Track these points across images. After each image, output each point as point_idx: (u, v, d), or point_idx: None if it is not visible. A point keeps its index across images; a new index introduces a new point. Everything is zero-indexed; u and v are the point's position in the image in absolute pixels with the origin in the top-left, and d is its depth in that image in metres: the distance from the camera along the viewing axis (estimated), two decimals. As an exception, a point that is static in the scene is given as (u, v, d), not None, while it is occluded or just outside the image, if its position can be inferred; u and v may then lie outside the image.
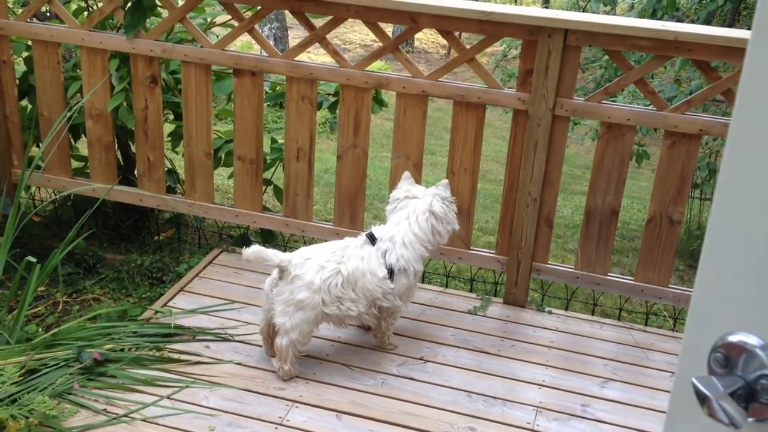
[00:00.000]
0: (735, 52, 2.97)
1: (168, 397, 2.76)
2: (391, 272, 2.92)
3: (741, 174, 0.76)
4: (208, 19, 4.04)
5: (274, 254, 2.83)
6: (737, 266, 0.79)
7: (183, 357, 3.00)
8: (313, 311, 2.82)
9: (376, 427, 2.71)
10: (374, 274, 2.89)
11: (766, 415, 0.77)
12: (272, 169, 4.05)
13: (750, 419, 0.78)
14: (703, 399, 0.78)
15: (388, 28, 13.22)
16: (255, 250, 2.81)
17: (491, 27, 3.19)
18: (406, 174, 3.15)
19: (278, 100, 4.14)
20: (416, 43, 16.12)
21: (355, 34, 15.94)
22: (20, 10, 3.77)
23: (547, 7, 15.48)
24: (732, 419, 0.76)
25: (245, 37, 4.21)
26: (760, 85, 0.75)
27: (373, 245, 2.94)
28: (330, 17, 3.35)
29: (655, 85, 4.92)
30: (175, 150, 4.14)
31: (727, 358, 0.79)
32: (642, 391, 3.02)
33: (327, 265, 2.83)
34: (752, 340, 0.78)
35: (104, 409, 2.68)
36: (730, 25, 8.42)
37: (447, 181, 3.13)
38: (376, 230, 3.00)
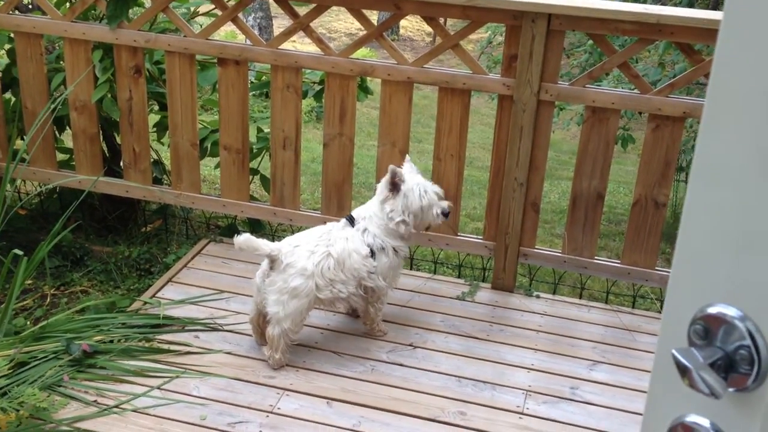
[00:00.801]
0: (717, 34, 2.97)
1: (158, 388, 2.77)
2: (373, 252, 2.95)
3: (716, 146, 0.77)
4: (192, 9, 4.02)
5: (264, 244, 2.84)
6: (715, 238, 0.80)
7: (173, 347, 3.00)
8: (307, 298, 2.84)
9: (367, 414, 2.72)
10: (358, 252, 2.92)
11: (745, 384, 0.79)
12: (259, 159, 4.04)
13: (729, 389, 0.80)
14: (683, 370, 0.79)
15: (373, 16, 13.17)
16: (246, 238, 2.82)
17: (475, 12, 3.19)
18: (407, 158, 3.16)
19: (263, 89, 4.13)
20: (401, 31, 16.09)
21: (340, 23, 15.89)
22: (1, 2, 3.74)
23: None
24: (712, 389, 0.78)
25: (230, 28, 4.18)
26: (733, 60, 0.76)
27: (353, 227, 2.97)
28: (314, 5, 3.34)
29: (639, 69, 4.93)
30: (160, 141, 4.13)
31: (707, 329, 0.81)
32: (630, 372, 3.05)
33: (317, 250, 2.86)
34: (731, 311, 0.79)
35: (95, 401, 2.69)
36: (714, 9, 8.44)
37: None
38: (355, 212, 3.04)
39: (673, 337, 0.83)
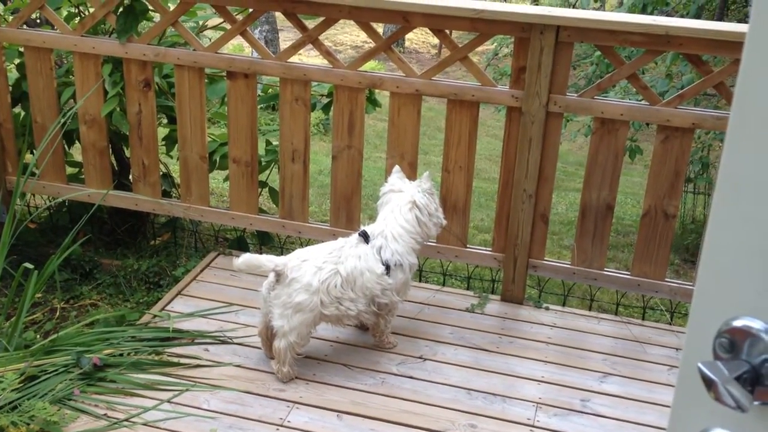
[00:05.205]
0: (726, 45, 2.98)
1: (168, 401, 2.76)
2: (387, 268, 2.94)
3: (743, 158, 0.77)
4: (200, 23, 4.04)
5: (267, 259, 2.82)
6: (741, 251, 0.79)
7: (182, 360, 2.99)
8: (312, 313, 2.82)
9: (377, 427, 2.71)
10: (372, 271, 2.89)
11: (772, 398, 0.78)
12: (267, 171, 4.05)
13: (756, 402, 0.79)
14: (709, 383, 0.78)
15: (379, 28, 13.22)
16: (245, 258, 2.81)
17: (483, 25, 3.20)
18: (396, 168, 3.16)
19: (272, 102, 4.14)
20: (407, 43, 16.13)
21: (345, 36, 15.95)
22: (11, 17, 3.76)
23: (536, 5, 15.48)
24: (738, 403, 0.77)
25: (237, 41, 4.20)
26: (761, 71, 0.76)
27: (367, 243, 2.95)
28: (322, 18, 3.36)
29: (646, 80, 4.93)
30: (169, 154, 4.14)
31: (732, 342, 0.80)
32: (641, 384, 3.03)
33: (324, 266, 2.83)
34: (757, 324, 0.79)
35: (105, 414, 2.68)
36: (719, 20, 8.45)
37: (428, 173, 3.14)
38: (368, 228, 3.02)
39: (698, 350, 0.82)
